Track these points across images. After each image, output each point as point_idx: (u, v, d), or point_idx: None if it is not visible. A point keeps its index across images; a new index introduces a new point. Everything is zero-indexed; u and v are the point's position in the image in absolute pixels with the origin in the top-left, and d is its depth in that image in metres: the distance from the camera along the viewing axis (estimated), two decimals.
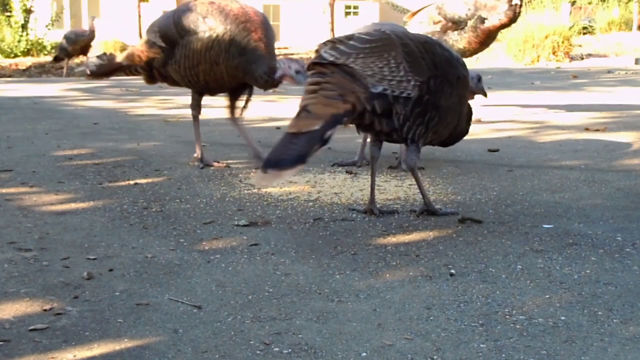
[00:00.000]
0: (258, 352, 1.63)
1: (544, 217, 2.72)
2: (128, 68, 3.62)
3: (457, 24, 4.83)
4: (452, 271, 2.15)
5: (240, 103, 3.57)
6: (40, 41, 16.71)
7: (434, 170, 3.49)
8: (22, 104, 6.47)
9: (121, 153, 3.95)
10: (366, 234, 2.51)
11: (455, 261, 2.24)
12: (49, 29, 17.13)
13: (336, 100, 2.37)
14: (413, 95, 2.47)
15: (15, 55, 15.78)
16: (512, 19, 4.78)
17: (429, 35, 2.79)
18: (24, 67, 12.93)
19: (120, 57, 3.66)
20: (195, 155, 3.64)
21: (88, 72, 3.72)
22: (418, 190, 3.13)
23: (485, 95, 3.24)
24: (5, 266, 2.16)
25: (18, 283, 2.03)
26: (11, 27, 16.39)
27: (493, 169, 3.61)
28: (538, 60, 13.25)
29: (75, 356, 1.61)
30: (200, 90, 3.49)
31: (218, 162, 3.64)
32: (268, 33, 3.32)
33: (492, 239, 2.46)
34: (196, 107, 3.57)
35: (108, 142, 4.31)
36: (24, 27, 16.58)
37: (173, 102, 6.71)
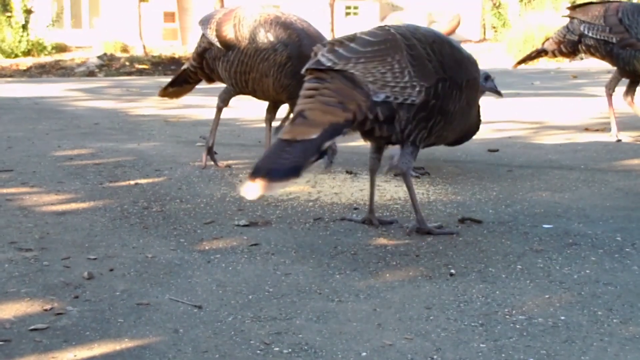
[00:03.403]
0: (258, 352, 1.64)
1: (544, 217, 2.72)
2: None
3: None
4: (452, 271, 2.15)
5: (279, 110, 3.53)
6: (40, 41, 16.71)
7: (434, 170, 3.49)
8: (23, 104, 6.47)
9: (122, 153, 3.95)
10: (366, 234, 2.51)
11: (455, 261, 2.24)
12: (49, 29, 17.13)
13: (336, 107, 2.19)
14: (417, 101, 2.32)
15: (16, 56, 15.79)
16: None
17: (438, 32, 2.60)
18: (24, 68, 12.93)
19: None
20: (206, 143, 3.58)
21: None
22: (419, 191, 3.13)
23: (498, 94, 3.10)
24: (6, 266, 2.17)
25: (18, 283, 2.03)
26: (12, 27, 16.39)
27: (493, 169, 3.62)
28: (538, 60, 13.26)
29: (75, 356, 1.61)
30: (244, 93, 3.42)
31: (220, 163, 3.61)
32: None
33: (492, 239, 2.46)
34: (226, 100, 3.50)
35: (108, 142, 4.31)
36: (24, 27, 16.58)
37: (173, 102, 6.71)
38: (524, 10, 16.20)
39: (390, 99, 2.29)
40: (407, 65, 2.33)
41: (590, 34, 4.32)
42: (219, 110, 3.55)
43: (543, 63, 13.08)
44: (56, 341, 1.68)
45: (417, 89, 2.32)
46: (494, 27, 19.26)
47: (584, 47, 4.40)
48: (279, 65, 3.18)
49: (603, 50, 4.31)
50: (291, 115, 3.29)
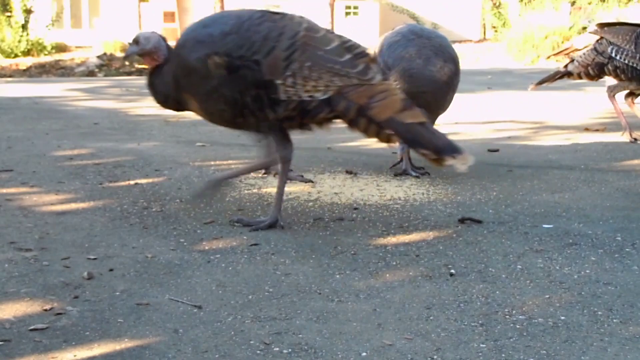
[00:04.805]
0: (258, 352, 1.64)
1: (544, 217, 2.73)
2: None
3: None
4: (452, 271, 2.15)
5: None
6: (40, 41, 16.70)
7: (434, 170, 3.49)
8: (23, 104, 6.47)
9: (121, 153, 3.95)
10: (366, 234, 2.51)
11: (455, 261, 2.24)
12: (49, 29, 17.12)
13: None
14: None
15: (16, 55, 15.77)
16: None
17: None
18: (24, 67, 12.92)
19: None
20: None
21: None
22: (419, 191, 3.13)
23: None
24: (6, 266, 2.17)
25: (18, 283, 2.03)
26: (11, 27, 16.38)
27: (493, 169, 3.62)
28: (538, 61, 13.26)
29: (75, 356, 1.61)
30: None
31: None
32: None
33: (492, 239, 2.46)
34: None
35: (108, 142, 4.31)
36: (24, 27, 16.57)
37: None
38: (524, 10, 16.20)
39: None
40: None
41: (618, 57, 4.28)
42: None
43: (543, 63, 13.08)
44: (56, 341, 1.68)
45: None
46: (494, 27, 19.25)
47: (610, 69, 4.35)
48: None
49: (630, 73, 4.29)
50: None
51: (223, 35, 2.41)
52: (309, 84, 2.35)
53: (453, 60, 3.29)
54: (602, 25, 4.49)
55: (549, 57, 5.07)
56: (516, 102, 6.43)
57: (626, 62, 4.26)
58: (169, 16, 22.17)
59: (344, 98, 2.36)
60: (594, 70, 4.42)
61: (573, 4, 18.67)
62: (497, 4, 18.86)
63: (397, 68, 3.19)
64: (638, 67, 4.23)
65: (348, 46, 2.42)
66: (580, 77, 4.56)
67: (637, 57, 4.23)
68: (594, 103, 6.25)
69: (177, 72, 2.50)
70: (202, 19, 2.59)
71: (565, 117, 5.56)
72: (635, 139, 4.40)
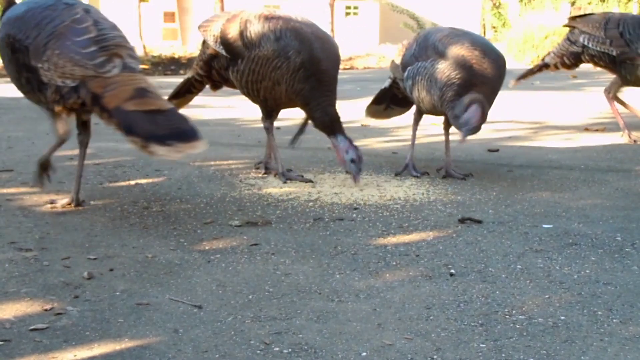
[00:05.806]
0: (258, 351, 1.64)
1: (544, 217, 2.73)
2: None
3: None
4: (452, 271, 2.15)
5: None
6: None
7: (434, 170, 3.49)
8: (23, 104, 6.46)
9: (121, 153, 3.95)
10: (366, 234, 2.51)
11: (455, 261, 2.25)
12: None
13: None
14: None
15: None
16: None
17: None
18: None
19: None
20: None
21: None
22: (419, 191, 3.13)
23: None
24: (6, 266, 2.17)
25: (18, 283, 2.03)
26: None
27: (493, 169, 3.62)
28: (538, 60, 13.27)
29: (75, 356, 1.61)
30: (255, 102, 3.36)
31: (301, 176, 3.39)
32: (336, 73, 3.23)
33: (491, 239, 2.46)
34: (268, 121, 3.38)
35: (108, 142, 4.31)
36: None
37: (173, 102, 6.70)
38: (524, 10, 16.23)
39: None
40: None
41: (590, 45, 4.29)
42: (268, 132, 3.40)
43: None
44: (56, 341, 1.68)
45: None
46: (494, 27, 19.28)
47: (587, 57, 4.37)
48: (292, 72, 3.12)
49: (607, 59, 4.29)
50: (308, 122, 3.30)
51: (15, 19, 2.66)
52: (58, 70, 2.52)
53: None
54: (574, 18, 4.54)
55: None
56: (516, 102, 6.43)
57: (597, 48, 4.27)
58: (169, 16, 22.19)
59: (84, 86, 2.51)
60: (570, 59, 4.46)
61: (573, 4, 18.68)
62: (497, 4, 18.89)
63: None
64: (610, 53, 4.24)
65: (98, 39, 2.57)
66: (557, 68, 4.62)
67: (607, 43, 4.24)
68: (594, 103, 6.24)
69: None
70: (22, 2, 2.79)
71: (565, 117, 5.56)
72: (635, 141, 4.41)
